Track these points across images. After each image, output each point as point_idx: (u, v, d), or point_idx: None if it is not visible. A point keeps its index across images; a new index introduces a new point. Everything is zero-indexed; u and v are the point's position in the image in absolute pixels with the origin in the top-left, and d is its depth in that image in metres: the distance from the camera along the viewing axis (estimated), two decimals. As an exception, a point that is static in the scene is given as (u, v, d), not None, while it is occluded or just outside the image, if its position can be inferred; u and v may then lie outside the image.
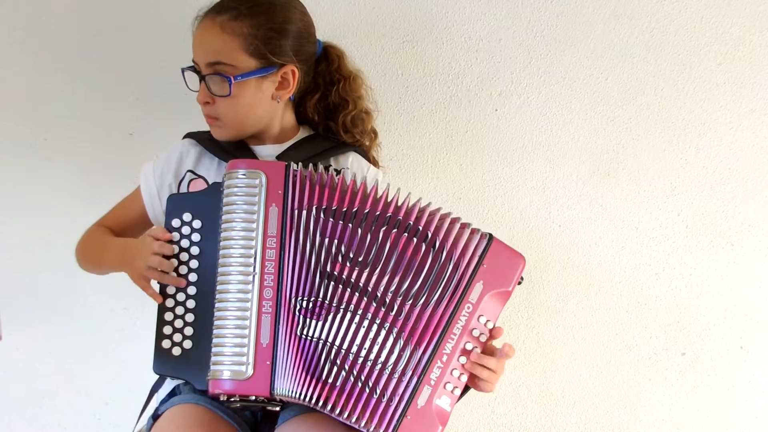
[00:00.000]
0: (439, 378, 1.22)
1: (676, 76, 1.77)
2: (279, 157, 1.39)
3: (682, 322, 1.82)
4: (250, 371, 1.18)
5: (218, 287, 1.21)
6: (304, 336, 1.21)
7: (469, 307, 1.23)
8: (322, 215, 1.23)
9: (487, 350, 1.25)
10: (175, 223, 1.27)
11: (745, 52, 1.77)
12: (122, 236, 1.44)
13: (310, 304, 1.21)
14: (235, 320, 1.20)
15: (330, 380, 1.20)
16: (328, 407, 1.19)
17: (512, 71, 1.76)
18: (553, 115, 1.77)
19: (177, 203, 1.28)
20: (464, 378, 1.24)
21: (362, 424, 1.20)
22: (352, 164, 1.46)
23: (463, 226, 1.26)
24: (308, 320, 1.21)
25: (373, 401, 1.20)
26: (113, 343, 1.75)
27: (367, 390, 1.20)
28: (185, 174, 1.42)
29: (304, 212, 1.23)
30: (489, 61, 1.76)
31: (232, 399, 1.20)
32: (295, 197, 1.24)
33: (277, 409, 1.25)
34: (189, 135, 1.46)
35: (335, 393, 1.20)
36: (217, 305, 1.21)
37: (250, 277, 1.21)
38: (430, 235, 1.24)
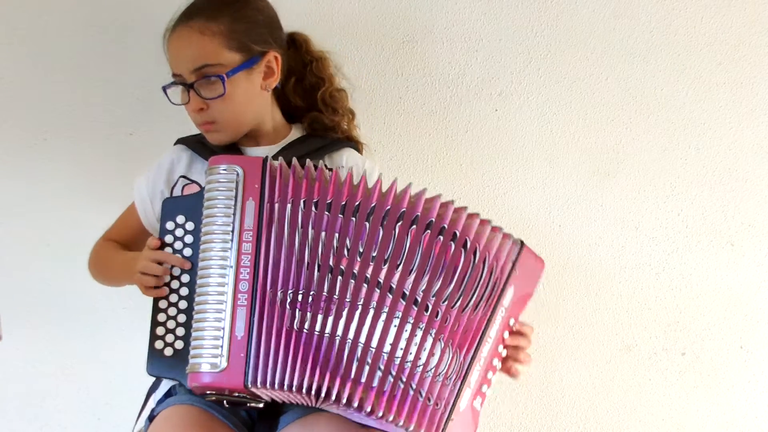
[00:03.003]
0: (477, 380, 1.25)
1: (676, 76, 1.77)
2: (273, 157, 1.39)
3: (682, 322, 1.82)
4: (224, 363, 1.17)
5: (198, 281, 1.21)
6: (306, 330, 1.19)
7: (503, 311, 1.26)
8: (314, 209, 1.22)
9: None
10: (169, 225, 1.27)
11: (745, 52, 1.77)
12: (129, 248, 1.45)
13: (310, 298, 1.20)
14: (213, 313, 1.19)
15: (363, 380, 1.18)
16: (367, 409, 1.18)
17: (512, 71, 1.76)
18: (553, 115, 1.77)
19: (170, 207, 1.29)
20: (495, 378, 1.27)
21: (411, 428, 1.20)
22: (347, 160, 1.46)
23: (495, 229, 1.26)
24: (308, 314, 1.19)
25: (420, 404, 1.20)
26: (113, 343, 1.75)
27: (411, 392, 1.20)
28: (177, 180, 1.42)
29: (288, 205, 1.22)
30: (489, 61, 1.76)
31: (209, 393, 1.20)
32: (274, 190, 1.22)
33: (261, 406, 1.23)
34: (180, 141, 1.47)
35: (372, 394, 1.18)
36: (197, 299, 1.21)
37: (226, 270, 1.20)
38: (458, 234, 1.23)
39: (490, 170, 1.78)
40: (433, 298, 1.22)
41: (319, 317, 1.20)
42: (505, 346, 1.28)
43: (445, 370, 1.22)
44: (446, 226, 1.23)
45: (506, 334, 1.28)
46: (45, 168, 1.70)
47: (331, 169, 1.42)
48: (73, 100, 1.70)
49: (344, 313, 1.20)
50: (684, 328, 1.82)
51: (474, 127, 1.77)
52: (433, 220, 1.23)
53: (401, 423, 1.19)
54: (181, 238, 1.27)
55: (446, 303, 1.22)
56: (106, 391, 1.76)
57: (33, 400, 1.75)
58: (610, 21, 1.76)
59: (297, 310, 1.20)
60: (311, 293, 1.20)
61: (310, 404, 1.23)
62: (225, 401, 1.22)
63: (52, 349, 1.74)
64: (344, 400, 1.17)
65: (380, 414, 1.18)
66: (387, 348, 1.20)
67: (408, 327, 1.21)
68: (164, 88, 1.38)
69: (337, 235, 1.22)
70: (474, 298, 1.23)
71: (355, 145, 1.52)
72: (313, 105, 1.49)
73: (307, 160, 1.26)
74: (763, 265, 1.81)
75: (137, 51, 1.70)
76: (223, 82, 1.33)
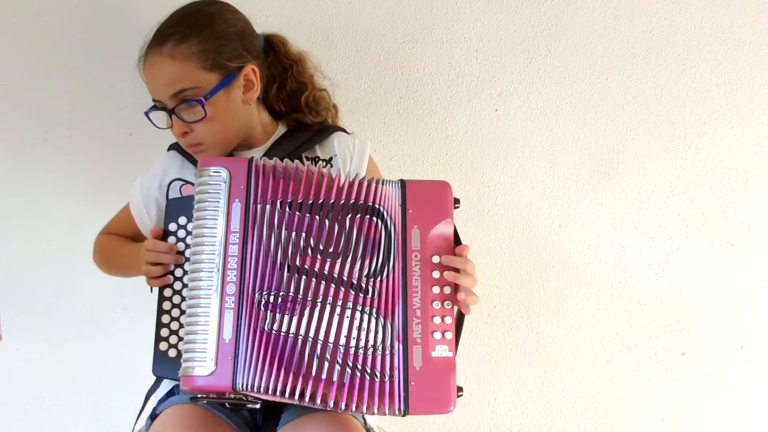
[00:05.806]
0: (422, 333, 1.22)
1: (676, 76, 1.77)
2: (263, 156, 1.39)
3: (682, 322, 1.82)
4: (213, 367, 1.18)
5: (190, 284, 1.22)
6: (275, 331, 1.19)
7: (416, 256, 1.25)
8: (288, 209, 1.23)
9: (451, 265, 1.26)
10: (172, 227, 1.29)
11: (745, 52, 1.77)
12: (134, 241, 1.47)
13: (279, 299, 1.20)
14: (203, 316, 1.19)
15: (324, 376, 1.19)
16: (330, 403, 1.18)
17: (512, 71, 1.76)
18: (553, 115, 1.77)
19: (173, 208, 1.31)
20: (449, 320, 1.24)
21: (375, 410, 1.19)
22: (338, 147, 1.46)
23: (377, 182, 1.26)
24: (278, 315, 1.19)
25: (377, 386, 1.20)
26: (113, 343, 1.74)
27: (368, 377, 1.20)
28: (171, 183, 1.43)
29: (268, 206, 1.22)
30: (489, 61, 1.76)
31: (201, 396, 1.21)
32: (258, 192, 1.23)
33: (257, 406, 1.24)
34: (171, 147, 1.47)
35: (334, 389, 1.19)
36: (188, 302, 1.21)
37: (214, 273, 1.20)
38: (371, 204, 1.24)
39: (490, 170, 1.78)
40: (372, 279, 1.23)
41: (286, 318, 1.20)
42: (443, 285, 1.25)
43: (389, 342, 1.21)
44: (363, 202, 1.24)
45: (436, 274, 1.24)
46: (45, 167, 1.70)
47: (325, 161, 1.42)
48: (73, 100, 1.70)
49: (306, 312, 1.21)
50: (684, 328, 1.82)
51: (474, 127, 1.77)
52: (371, 204, 1.24)
53: (365, 409, 1.19)
54: (183, 239, 1.28)
55: (380, 279, 1.23)
56: (105, 391, 1.76)
57: (33, 400, 1.75)
58: (610, 21, 1.76)
59: (269, 311, 1.20)
60: (281, 294, 1.21)
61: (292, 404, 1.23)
62: (225, 403, 1.22)
63: (52, 349, 1.74)
64: (307, 398, 1.18)
65: (343, 406, 1.18)
66: (342, 340, 1.20)
67: (357, 315, 1.21)
68: (147, 114, 1.37)
69: (304, 235, 1.22)
70: (392, 261, 1.23)
71: (343, 129, 1.51)
72: (296, 108, 1.49)
73: (286, 160, 1.26)
74: (763, 265, 1.81)
75: (137, 51, 1.69)
76: (203, 105, 1.32)
